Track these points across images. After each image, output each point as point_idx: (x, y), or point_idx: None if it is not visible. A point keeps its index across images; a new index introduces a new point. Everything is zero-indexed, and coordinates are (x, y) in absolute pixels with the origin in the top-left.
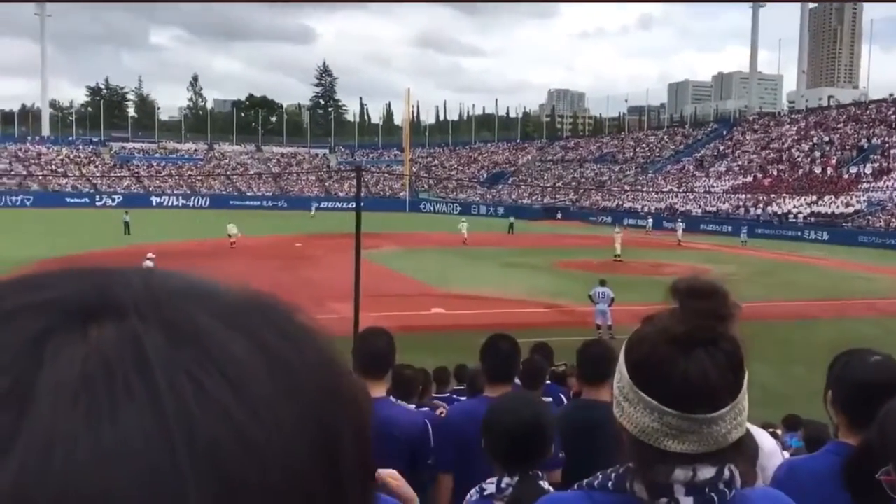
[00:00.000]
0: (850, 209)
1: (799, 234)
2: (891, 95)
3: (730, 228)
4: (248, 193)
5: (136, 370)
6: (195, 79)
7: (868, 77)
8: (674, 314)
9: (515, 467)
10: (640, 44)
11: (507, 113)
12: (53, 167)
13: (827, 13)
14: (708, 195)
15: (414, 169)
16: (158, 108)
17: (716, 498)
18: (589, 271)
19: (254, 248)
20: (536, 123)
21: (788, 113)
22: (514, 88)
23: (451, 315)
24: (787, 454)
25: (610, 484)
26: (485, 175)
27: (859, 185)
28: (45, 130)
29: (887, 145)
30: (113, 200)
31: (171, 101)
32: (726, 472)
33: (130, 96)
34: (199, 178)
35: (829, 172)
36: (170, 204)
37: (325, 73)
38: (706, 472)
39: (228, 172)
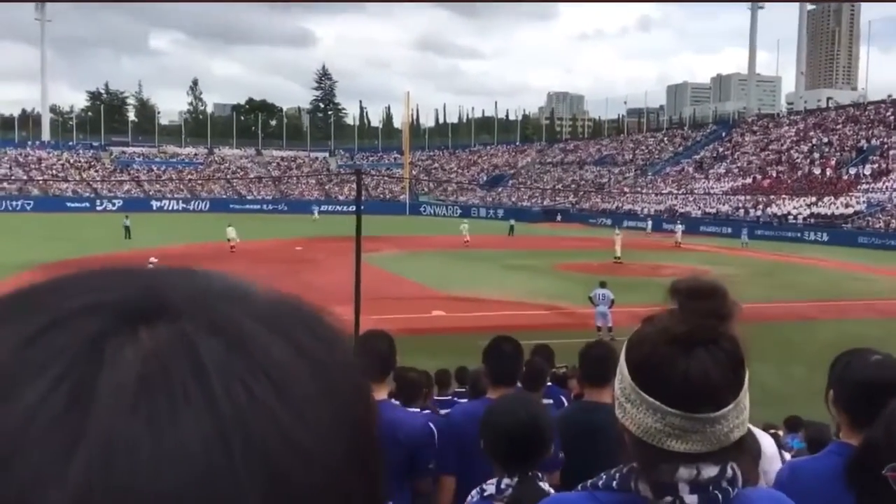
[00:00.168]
0: (850, 210)
1: (798, 235)
2: (889, 96)
3: (729, 230)
4: (248, 197)
5: (193, 375)
6: (195, 83)
7: (867, 78)
8: (674, 314)
9: (514, 468)
10: (639, 46)
11: (507, 115)
12: (54, 172)
13: (825, 14)
14: (707, 197)
15: (414, 172)
16: (158, 113)
17: (720, 496)
18: (589, 273)
19: (254, 251)
20: (536, 126)
21: (787, 114)
22: (514, 91)
23: (451, 317)
24: (788, 455)
25: (614, 484)
26: (484, 178)
27: (858, 186)
28: (46, 135)
29: (886, 146)
30: (113, 205)
31: (171, 106)
32: (729, 471)
33: (130, 101)
34: (200, 181)
35: (828, 174)
36: (170, 208)
37: (324, 76)
38: (710, 471)
39: (228, 176)
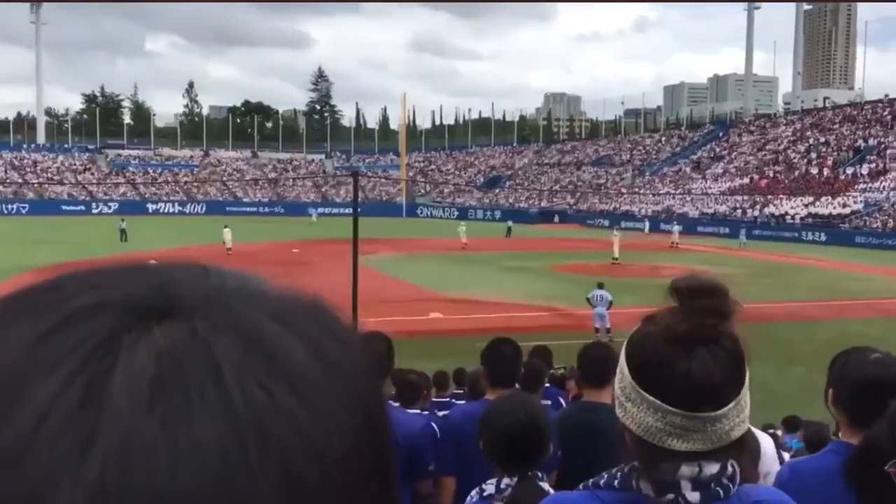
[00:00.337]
0: (847, 210)
1: (796, 235)
2: (886, 96)
3: (727, 230)
4: (245, 199)
5: (209, 374)
6: (191, 85)
7: (863, 78)
8: (674, 313)
9: (513, 468)
10: (636, 46)
11: (504, 117)
12: (49, 175)
13: (822, 15)
14: (705, 197)
15: (410, 174)
16: (154, 115)
17: (721, 492)
18: (587, 274)
19: (251, 254)
20: (533, 127)
21: (784, 114)
22: (511, 92)
23: (449, 319)
24: (787, 456)
25: (616, 483)
26: (482, 179)
27: (856, 186)
28: (41, 138)
29: (883, 146)
30: (109, 208)
31: (166, 108)
32: (729, 468)
33: (126, 103)
34: (195, 184)
35: (825, 173)
36: (166, 211)
37: (320, 78)
38: (711, 468)
39: (224, 179)
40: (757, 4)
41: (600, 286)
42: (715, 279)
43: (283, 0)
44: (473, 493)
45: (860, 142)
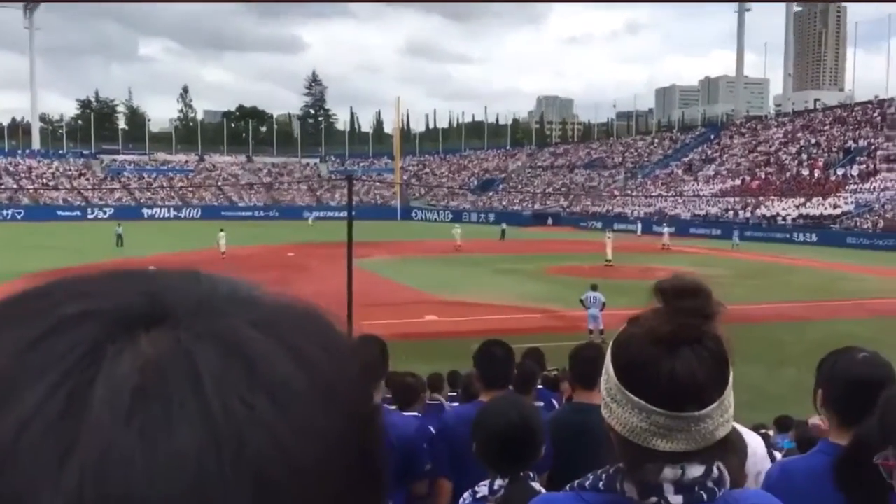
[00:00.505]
0: (838, 211)
1: (788, 236)
2: (876, 97)
3: (719, 231)
4: (240, 204)
5: (190, 387)
6: (185, 90)
7: (853, 79)
8: (659, 314)
9: (506, 469)
10: (628, 49)
11: (497, 120)
12: (44, 180)
13: (812, 17)
14: (697, 199)
15: (405, 177)
16: (149, 120)
17: (705, 496)
18: (580, 276)
19: (246, 258)
20: (526, 130)
21: (775, 116)
22: (504, 95)
23: (444, 322)
24: (778, 455)
25: (601, 484)
26: (475, 182)
27: (846, 187)
28: (36, 144)
29: (873, 147)
30: (104, 213)
31: (161, 113)
32: (715, 471)
33: (121, 108)
34: (191, 189)
35: (816, 175)
36: (161, 216)
37: (314, 82)
38: (695, 471)
39: (219, 183)
40: (748, 7)
41: (594, 288)
42: (698, 280)
43: (274, 0)
44: (466, 494)
45: (850, 143)
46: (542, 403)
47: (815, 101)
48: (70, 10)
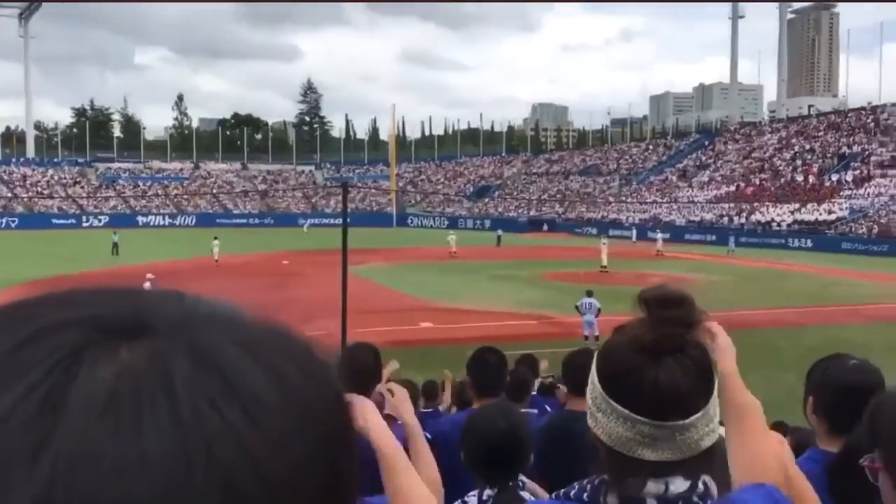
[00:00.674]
0: (833, 216)
1: (783, 241)
2: (869, 103)
3: (714, 238)
4: (235, 211)
5: (163, 392)
6: (180, 98)
7: (847, 85)
8: (643, 323)
9: (494, 477)
10: (622, 56)
11: (492, 127)
12: (39, 189)
13: (805, 23)
14: (691, 205)
15: (400, 184)
16: (144, 128)
17: None
18: (576, 282)
19: (241, 265)
20: (521, 137)
21: (769, 122)
22: (499, 103)
23: (439, 329)
24: None
25: (585, 495)
26: (471, 189)
27: (841, 193)
28: (30, 152)
29: (867, 153)
30: (99, 221)
31: (156, 121)
32: (700, 486)
33: (115, 116)
34: (186, 196)
35: (810, 180)
36: (156, 223)
37: (309, 89)
38: (679, 486)
39: (214, 191)
40: (741, 13)
41: (589, 294)
42: (682, 289)
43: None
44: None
45: (844, 149)
46: (535, 410)
47: (809, 107)
48: (65, 18)
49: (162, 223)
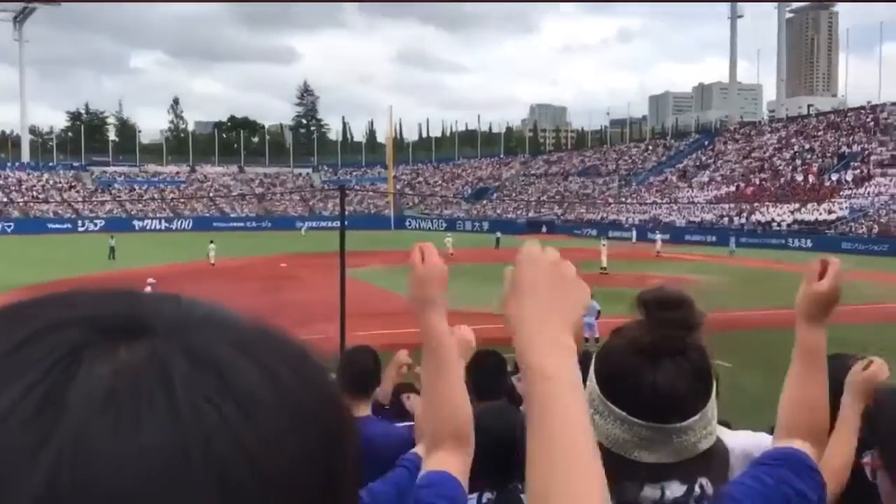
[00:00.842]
0: (833, 216)
1: (783, 241)
2: (869, 102)
3: (714, 238)
4: (232, 215)
5: (161, 389)
6: (176, 101)
7: (846, 85)
8: (641, 325)
9: (492, 480)
10: (621, 56)
11: (490, 128)
12: (34, 193)
13: (804, 23)
14: (691, 206)
15: (398, 186)
16: (139, 132)
17: None
18: None
19: (238, 269)
20: (519, 138)
21: (769, 122)
22: (497, 104)
23: None
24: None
25: None
26: (469, 191)
27: (841, 192)
28: (26, 156)
29: (867, 152)
30: (95, 225)
31: (151, 124)
32: (697, 489)
33: (111, 120)
34: (182, 200)
35: (810, 180)
36: (152, 227)
37: (306, 91)
38: (675, 490)
39: (211, 194)
40: (740, 13)
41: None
42: (681, 291)
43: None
44: None
45: (844, 148)
46: None
47: (809, 106)
48: (60, 22)
49: (158, 227)
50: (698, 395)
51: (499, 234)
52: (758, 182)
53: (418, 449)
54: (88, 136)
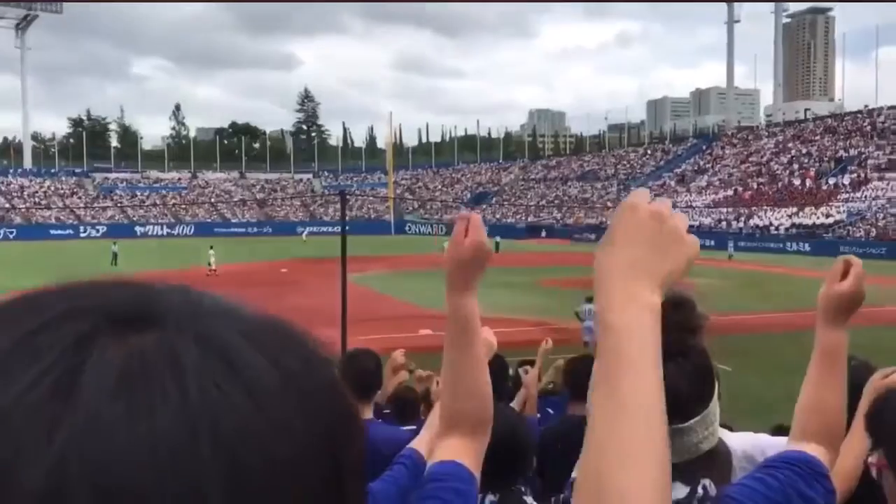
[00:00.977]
0: (831, 220)
1: (781, 245)
2: (866, 106)
3: (713, 242)
4: (233, 220)
5: (172, 374)
6: (177, 107)
7: (843, 89)
8: None
9: (496, 483)
10: (618, 61)
11: (489, 133)
12: (36, 199)
13: (800, 28)
14: (689, 210)
15: (398, 191)
16: (141, 138)
17: None
18: (575, 288)
19: (239, 274)
20: (518, 143)
21: (766, 126)
22: (496, 109)
23: (439, 336)
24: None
25: None
26: (469, 195)
27: (838, 196)
28: (28, 163)
29: (864, 156)
30: (97, 231)
31: (153, 131)
32: (699, 490)
33: (113, 126)
34: (183, 206)
35: (808, 184)
36: (154, 233)
37: (307, 98)
38: (678, 492)
39: (213, 200)
40: (737, 18)
41: (589, 300)
42: (682, 293)
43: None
44: None
45: (841, 152)
46: (538, 415)
47: (806, 111)
48: (62, 29)
49: (160, 233)
50: (700, 396)
51: (498, 238)
52: (756, 186)
53: (416, 442)
54: (90, 143)
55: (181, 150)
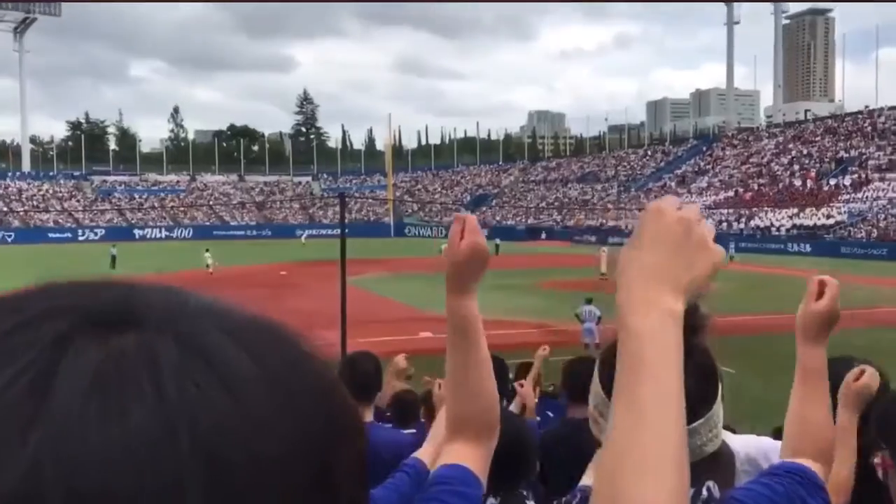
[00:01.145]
0: (832, 221)
1: (782, 246)
2: (866, 107)
3: None
4: (232, 223)
5: (148, 374)
6: (176, 110)
7: (843, 90)
8: None
9: (498, 486)
10: (618, 63)
11: (489, 135)
12: (34, 203)
13: (800, 28)
14: None
15: (397, 194)
16: (139, 141)
17: None
18: (576, 290)
19: (238, 277)
20: (518, 145)
21: (767, 127)
22: (495, 111)
23: (439, 338)
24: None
25: None
26: (468, 198)
27: (839, 197)
28: (26, 166)
29: (865, 157)
30: (95, 234)
31: (152, 133)
32: (704, 492)
33: (111, 129)
34: (182, 209)
35: (808, 185)
36: (153, 236)
37: (305, 100)
38: None
39: (211, 203)
40: (736, 19)
41: (589, 301)
42: None
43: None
44: None
45: (842, 153)
46: (538, 418)
47: (806, 111)
48: (60, 32)
49: (159, 236)
50: (703, 397)
51: (498, 240)
52: (756, 187)
53: (420, 452)
54: (89, 146)
55: (180, 153)
